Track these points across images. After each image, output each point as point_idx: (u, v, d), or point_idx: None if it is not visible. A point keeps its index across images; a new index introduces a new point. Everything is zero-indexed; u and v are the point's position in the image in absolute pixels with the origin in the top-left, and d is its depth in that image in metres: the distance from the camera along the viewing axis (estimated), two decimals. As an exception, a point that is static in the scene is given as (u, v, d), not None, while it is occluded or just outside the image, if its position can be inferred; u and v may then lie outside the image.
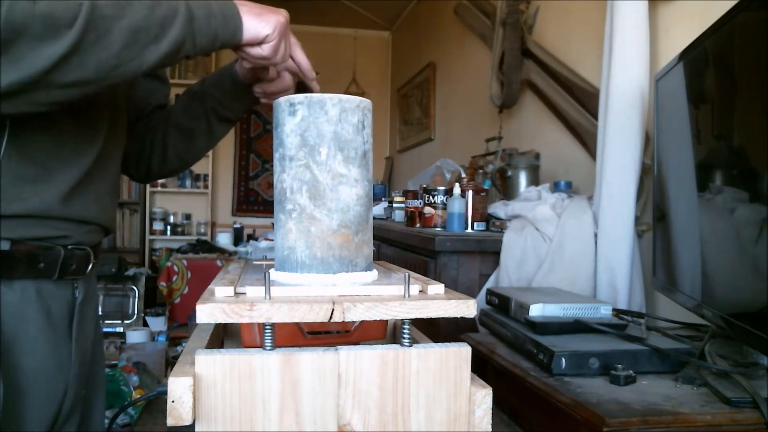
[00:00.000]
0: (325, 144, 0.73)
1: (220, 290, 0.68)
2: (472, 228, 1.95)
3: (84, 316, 0.88)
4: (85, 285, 0.88)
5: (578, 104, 2.12)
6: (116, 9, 0.68)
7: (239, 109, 1.06)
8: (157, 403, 2.66)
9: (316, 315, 0.65)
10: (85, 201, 0.84)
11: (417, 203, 2.12)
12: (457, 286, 1.74)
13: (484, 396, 0.70)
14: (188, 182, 5.29)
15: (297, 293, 0.69)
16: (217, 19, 0.76)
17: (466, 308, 0.69)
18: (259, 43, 0.81)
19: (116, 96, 0.91)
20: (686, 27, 1.58)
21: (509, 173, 2.19)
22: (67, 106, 0.72)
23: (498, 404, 1.16)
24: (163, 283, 3.95)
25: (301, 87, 0.98)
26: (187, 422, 0.64)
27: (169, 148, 1.07)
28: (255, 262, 1.01)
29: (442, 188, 2.03)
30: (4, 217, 0.75)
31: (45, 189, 0.78)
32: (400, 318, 0.68)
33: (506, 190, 2.21)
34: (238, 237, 5.04)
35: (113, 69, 0.69)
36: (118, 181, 0.96)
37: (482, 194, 1.98)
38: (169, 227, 5.26)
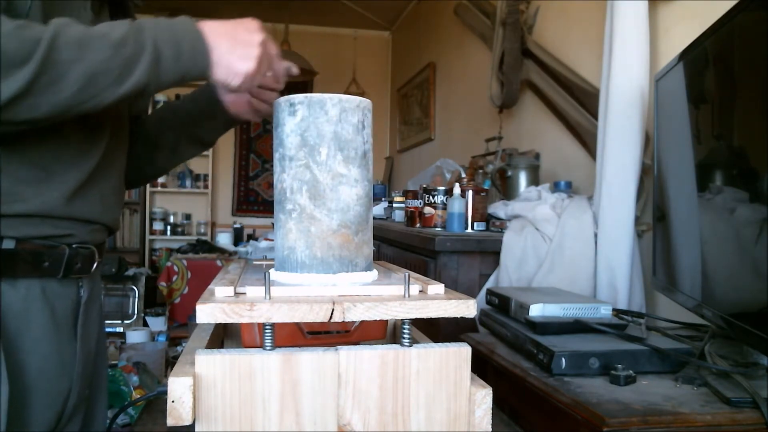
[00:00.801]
0: (325, 144, 0.73)
1: (220, 290, 0.68)
2: (472, 228, 1.95)
3: (89, 316, 0.88)
4: (90, 284, 0.89)
5: (578, 104, 2.12)
6: (76, 50, 0.65)
7: (212, 129, 1.04)
8: (157, 403, 2.66)
9: (316, 315, 0.65)
10: (89, 201, 0.84)
11: (417, 203, 2.12)
12: (457, 286, 1.74)
13: (484, 396, 0.70)
14: (188, 182, 5.29)
15: (297, 293, 0.69)
16: (185, 55, 0.73)
17: (466, 308, 0.69)
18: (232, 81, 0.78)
19: None
20: (686, 27, 1.58)
21: (509, 173, 2.19)
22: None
23: (498, 404, 1.16)
24: (163, 283, 3.95)
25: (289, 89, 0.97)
26: (187, 422, 0.64)
27: (131, 158, 1.03)
28: (255, 262, 1.01)
29: (442, 188, 2.03)
30: (7, 216, 0.75)
31: (47, 190, 0.78)
32: (400, 318, 0.68)
33: (506, 190, 2.21)
34: (238, 237, 5.04)
35: (67, 110, 0.68)
36: (122, 180, 0.96)
37: (482, 194, 1.98)
38: (169, 227, 5.26)
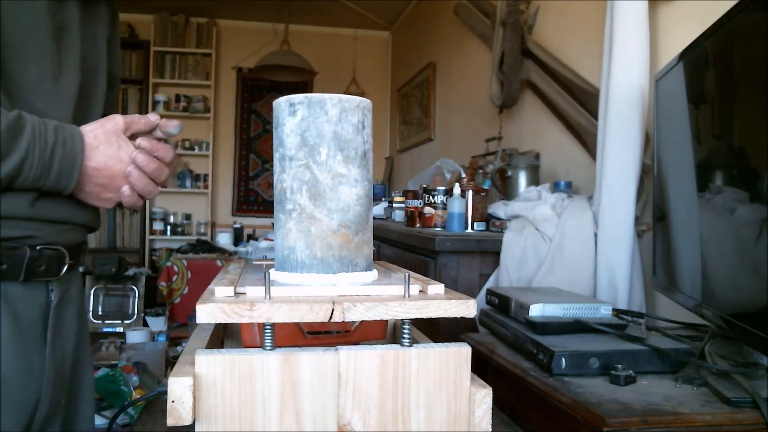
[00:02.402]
0: (325, 144, 0.73)
1: (220, 290, 0.68)
2: (472, 228, 1.95)
3: (61, 320, 0.84)
4: (61, 287, 0.84)
5: (578, 104, 2.12)
6: None
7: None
8: (157, 403, 2.66)
9: (316, 315, 0.65)
10: (56, 201, 0.79)
11: (417, 203, 2.12)
12: (457, 286, 1.74)
13: (484, 396, 0.70)
14: (188, 182, 5.29)
15: (297, 293, 0.69)
16: (50, 180, 0.75)
17: (466, 308, 0.69)
18: None
19: (88, 89, 0.88)
20: (686, 27, 1.58)
21: (509, 173, 2.19)
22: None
23: (498, 404, 1.16)
24: (163, 283, 3.95)
25: None
26: (187, 422, 0.64)
27: None
28: (255, 262, 1.01)
29: (442, 188, 2.03)
30: None
31: (10, 193, 0.74)
32: (400, 318, 0.68)
33: (506, 190, 2.21)
34: (238, 237, 5.04)
35: None
36: None
37: (482, 194, 1.98)
38: (169, 227, 5.26)
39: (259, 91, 5.57)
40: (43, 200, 0.78)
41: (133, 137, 0.83)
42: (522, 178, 2.17)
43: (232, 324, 0.89)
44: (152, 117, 0.86)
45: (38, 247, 0.79)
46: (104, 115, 0.89)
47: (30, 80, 0.78)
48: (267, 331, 0.67)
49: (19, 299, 0.78)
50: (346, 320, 0.66)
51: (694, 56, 1.15)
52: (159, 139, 0.86)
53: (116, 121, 0.81)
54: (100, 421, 2.31)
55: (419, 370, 0.68)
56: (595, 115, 1.90)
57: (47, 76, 0.79)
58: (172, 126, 0.88)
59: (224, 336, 1.01)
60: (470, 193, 1.95)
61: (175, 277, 3.97)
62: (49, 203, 0.79)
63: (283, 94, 0.80)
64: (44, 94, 0.79)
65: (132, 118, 0.83)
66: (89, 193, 0.80)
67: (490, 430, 0.71)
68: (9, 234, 0.76)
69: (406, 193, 2.37)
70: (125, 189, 0.81)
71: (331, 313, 0.65)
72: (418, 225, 2.11)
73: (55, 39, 0.80)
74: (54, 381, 0.82)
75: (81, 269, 0.92)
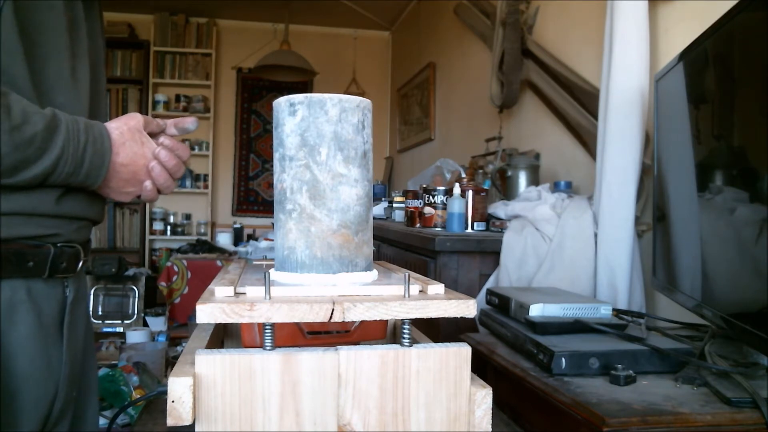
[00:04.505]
0: (325, 144, 0.73)
1: (220, 290, 0.68)
2: (472, 228, 1.95)
3: (75, 316, 0.86)
4: (75, 284, 0.86)
5: (578, 104, 2.12)
6: None
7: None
8: (157, 403, 2.66)
9: (316, 315, 0.65)
10: (77, 197, 0.82)
11: (417, 203, 2.12)
12: (457, 286, 1.74)
13: (484, 396, 0.70)
14: (188, 182, 5.29)
15: (297, 293, 0.69)
16: (80, 177, 0.77)
17: (466, 308, 0.69)
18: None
19: (96, 84, 0.90)
20: (686, 27, 1.58)
21: (509, 173, 2.19)
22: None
23: (498, 404, 1.16)
24: (163, 283, 3.94)
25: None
26: (187, 422, 0.64)
27: None
28: (255, 262, 1.01)
29: (442, 188, 2.03)
30: None
31: (39, 188, 0.76)
32: (400, 318, 0.68)
33: (506, 190, 2.21)
34: (238, 237, 5.03)
35: None
36: None
37: (482, 194, 1.98)
38: (169, 227, 5.26)
39: (259, 91, 5.57)
40: (67, 197, 0.80)
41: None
42: (522, 178, 2.17)
43: (232, 324, 0.89)
44: (160, 120, 0.89)
45: (59, 245, 0.81)
46: None
47: (51, 76, 0.80)
48: (267, 331, 0.67)
49: (42, 296, 0.80)
50: (346, 320, 0.67)
51: (694, 56, 1.15)
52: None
53: (138, 118, 0.84)
54: (100, 421, 2.31)
55: (419, 370, 0.69)
56: (595, 115, 1.90)
57: (66, 72, 0.82)
58: (189, 122, 0.91)
59: (224, 336, 1.01)
60: (470, 193, 1.95)
61: (175, 277, 3.97)
62: (72, 200, 0.81)
63: (283, 94, 0.80)
64: (64, 89, 0.81)
65: (147, 117, 0.86)
66: (112, 188, 0.82)
67: (490, 430, 0.71)
68: (36, 232, 0.78)
69: (406, 193, 2.37)
70: (147, 183, 0.84)
71: (331, 313, 0.65)
72: (418, 225, 2.11)
73: (70, 35, 0.82)
74: (69, 376, 0.84)
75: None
